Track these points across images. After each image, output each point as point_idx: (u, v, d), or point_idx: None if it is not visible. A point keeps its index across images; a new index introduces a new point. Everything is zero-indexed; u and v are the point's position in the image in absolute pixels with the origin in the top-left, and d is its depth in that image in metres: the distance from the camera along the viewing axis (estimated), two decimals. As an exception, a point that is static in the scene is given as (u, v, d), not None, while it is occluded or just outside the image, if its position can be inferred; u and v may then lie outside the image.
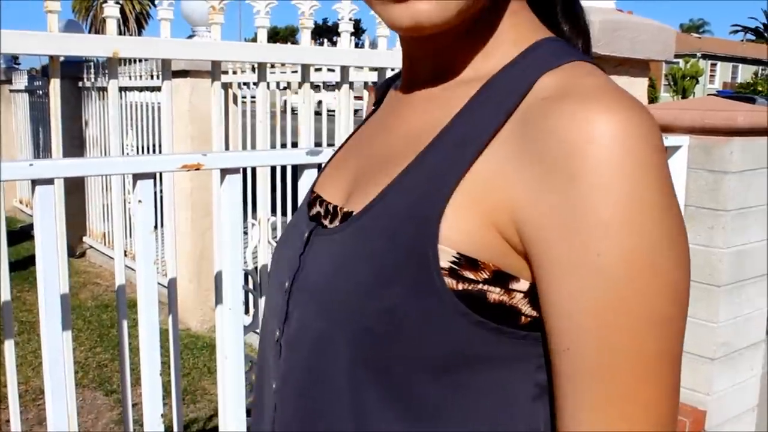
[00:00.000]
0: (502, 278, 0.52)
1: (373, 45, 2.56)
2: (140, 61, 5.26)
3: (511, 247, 0.52)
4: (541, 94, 0.53)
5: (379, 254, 0.55)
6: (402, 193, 0.56)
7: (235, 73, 4.76)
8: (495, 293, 0.52)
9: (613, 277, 0.47)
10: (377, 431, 0.56)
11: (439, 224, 0.52)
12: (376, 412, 0.56)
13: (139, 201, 1.38)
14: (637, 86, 2.69)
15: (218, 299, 1.58)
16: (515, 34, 0.60)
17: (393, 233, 0.55)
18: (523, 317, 0.53)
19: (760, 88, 34.09)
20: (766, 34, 60.49)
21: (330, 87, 4.58)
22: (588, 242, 0.47)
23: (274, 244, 2.14)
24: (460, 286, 0.52)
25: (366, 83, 3.70)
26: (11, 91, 8.41)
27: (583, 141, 0.48)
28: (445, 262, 0.52)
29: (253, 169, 3.80)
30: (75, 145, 6.13)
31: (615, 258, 0.47)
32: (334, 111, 2.25)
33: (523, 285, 0.52)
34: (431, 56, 0.62)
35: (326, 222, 0.64)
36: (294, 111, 4.17)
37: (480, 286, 0.52)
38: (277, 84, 4.58)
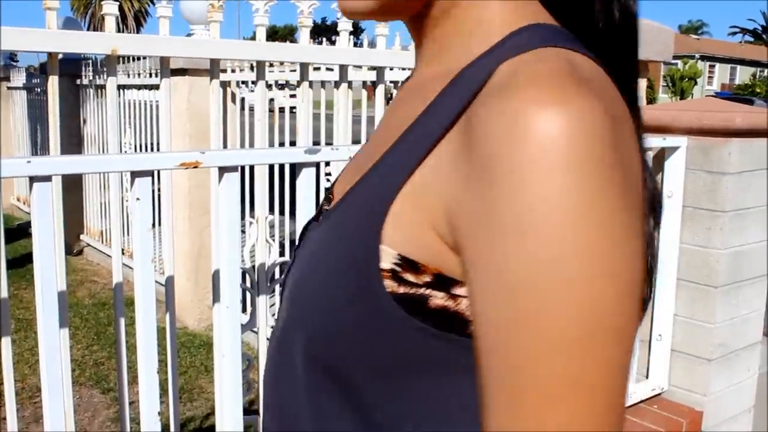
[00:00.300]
0: (444, 282, 0.49)
1: (372, 44, 2.56)
2: (138, 59, 5.25)
3: (450, 250, 0.48)
4: (491, 84, 0.48)
5: (332, 251, 0.55)
6: (362, 190, 0.55)
7: (233, 71, 4.76)
8: (438, 298, 0.49)
9: (519, 289, 0.42)
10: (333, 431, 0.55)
11: (382, 224, 0.50)
12: (332, 413, 0.55)
13: (137, 199, 1.38)
14: (635, 87, 2.69)
15: (216, 297, 1.58)
16: (505, 19, 0.55)
17: (345, 231, 0.54)
18: (471, 324, 0.48)
19: (759, 90, 34.15)
20: (764, 36, 60.59)
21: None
22: (497, 248, 0.43)
23: (272, 243, 2.14)
24: (402, 290, 0.50)
25: (364, 82, 3.70)
26: (9, 88, 8.40)
27: (507, 136, 0.43)
28: (387, 264, 0.50)
29: (251, 168, 3.80)
30: (73, 143, 6.13)
31: (522, 267, 0.42)
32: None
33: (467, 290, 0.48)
34: (420, 45, 0.61)
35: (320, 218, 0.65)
36: (280, 110, 4.17)
37: (422, 290, 0.49)
38: (276, 82, 4.58)
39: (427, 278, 0.49)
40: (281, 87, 4.52)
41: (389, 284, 0.50)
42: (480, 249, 0.45)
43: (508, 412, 0.43)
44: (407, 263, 0.50)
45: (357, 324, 0.51)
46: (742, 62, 47.76)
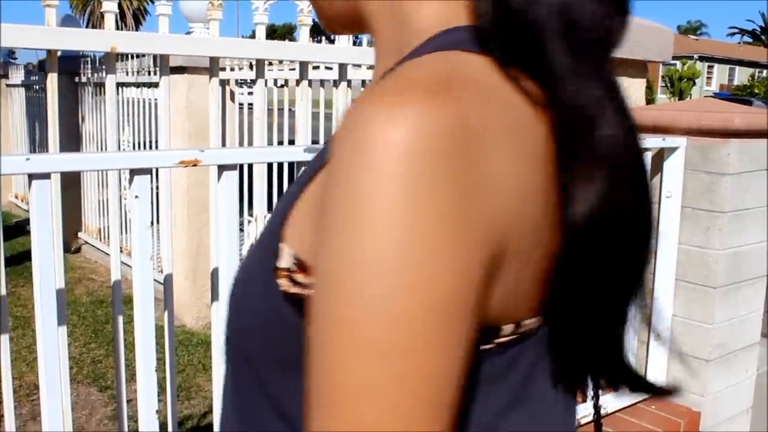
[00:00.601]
0: None
1: (371, 43, 2.55)
2: (137, 57, 5.24)
3: None
4: None
5: (254, 247, 0.57)
6: (288, 192, 0.57)
7: (232, 69, 4.75)
8: None
9: (324, 289, 0.43)
10: (253, 427, 0.57)
11: (284, 224, 0.52)
12: (252, 405, 0.56)
13: (136, 196, 1.38)
14: (635, 87, 2.69)
15: (214, 296, 1.58)
16: (433, 23, 0.54)
17: (266, 228, 0.56)
18: None
19: (757, 91, 34.17)
20: (763, 37, 60.63)
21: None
22: (320, 248, 0.43)
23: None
24: (293, 290, 0.50)
25: (364, 81, 3.70)
26: (8, 85, 8.38)
27: (343, 139, 0.43)
28: (285, 263, 0.51)
29: (250, 166, 3.79)
30: (71, 141, 6.11)
31: (328, 268, 0.42)
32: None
33: None
34: None
35: None
36: (279, 109, 4.18)
37: (308, 290, 0.49)
38: (275, 81, 4.58)
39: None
40: (281, 87, 4.51)
41: (284, 283, 0.51)
42: (315, 248, 0.45)
43: (308, 409, 0.43)
44: (300, 264, 0.50)
45: (258, 318, 0.53)
46: (741, 63, 47.78)
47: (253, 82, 2.14)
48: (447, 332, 0.41)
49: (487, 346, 0.49)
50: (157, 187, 2.05)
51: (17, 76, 8.13)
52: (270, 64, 4.21)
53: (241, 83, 5.15)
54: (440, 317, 0.41)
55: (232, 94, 4.67)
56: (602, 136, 0.47)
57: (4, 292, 1.43)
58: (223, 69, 4.59)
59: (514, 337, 0.51)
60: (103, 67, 5.14)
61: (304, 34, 2.18)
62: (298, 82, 2.24)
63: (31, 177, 1.25)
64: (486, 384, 0.50)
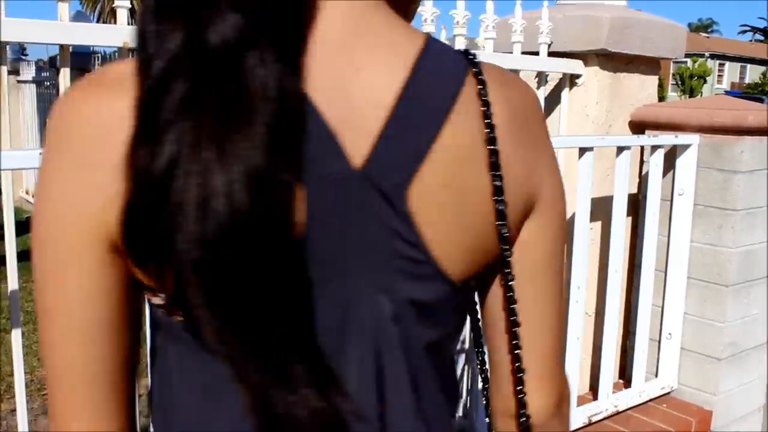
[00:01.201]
0: None
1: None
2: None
3: None
4: None
5: None
6: None
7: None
8: None
9: None
10: None
11: None
12: None
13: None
14: (647, 84, 2.67)
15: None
16: None
17: None
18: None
19: (768, 89, 33.95)
20: (774, 35, 60.22)
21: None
22: None
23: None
24: None
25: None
26: (18, 82, 8.41)
27: None
28: None
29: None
30: (82, 137, 6.14)
31: None
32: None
33: None
34: None
35: None
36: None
37: None
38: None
39: None
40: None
41: None
42: None
43: None
44: None
45: None
46: (752, 61, 47.50)
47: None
48: (54, 260, 0.61)
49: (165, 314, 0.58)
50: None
51: (28, 72, 8.15)
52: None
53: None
54: (51, 249, 0.60)
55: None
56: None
57: (16, 286, 1.43)
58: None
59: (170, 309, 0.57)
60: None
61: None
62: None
63: (44, 172, 1.25)
64: (166, 343, 0.62)
